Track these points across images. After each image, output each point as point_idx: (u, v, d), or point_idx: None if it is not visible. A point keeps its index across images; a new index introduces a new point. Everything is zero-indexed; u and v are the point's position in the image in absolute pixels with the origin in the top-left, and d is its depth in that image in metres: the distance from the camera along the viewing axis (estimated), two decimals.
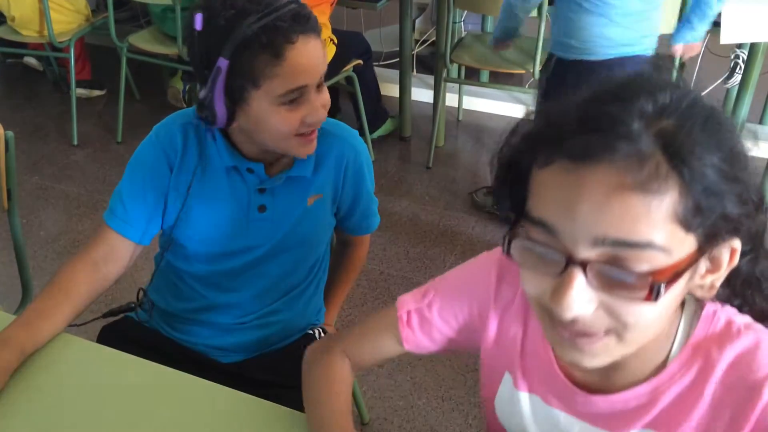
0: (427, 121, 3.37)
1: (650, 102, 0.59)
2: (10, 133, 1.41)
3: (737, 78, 2.74)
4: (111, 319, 1.34)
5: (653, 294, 0.58)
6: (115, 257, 1.18)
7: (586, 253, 0.59)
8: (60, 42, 3.06)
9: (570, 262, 0.60)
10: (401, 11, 3.02)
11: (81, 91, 3.54)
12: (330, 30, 2.69)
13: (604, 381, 0.74)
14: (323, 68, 1.08)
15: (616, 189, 0.56)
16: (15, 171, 1.44)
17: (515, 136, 0.67)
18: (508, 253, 0.64)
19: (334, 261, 1.41)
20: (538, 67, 2.75)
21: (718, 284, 0.65)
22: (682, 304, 0.72)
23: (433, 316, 0.90)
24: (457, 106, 3.48)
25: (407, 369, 2.04)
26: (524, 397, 0.83)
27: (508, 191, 0.67)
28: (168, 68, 3.46)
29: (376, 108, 3.17)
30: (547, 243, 0.61)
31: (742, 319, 0.71)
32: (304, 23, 1.03)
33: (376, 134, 3.20)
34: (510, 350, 0.84)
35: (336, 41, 2.72)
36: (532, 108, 0.73)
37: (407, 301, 0.92)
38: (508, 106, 3.51)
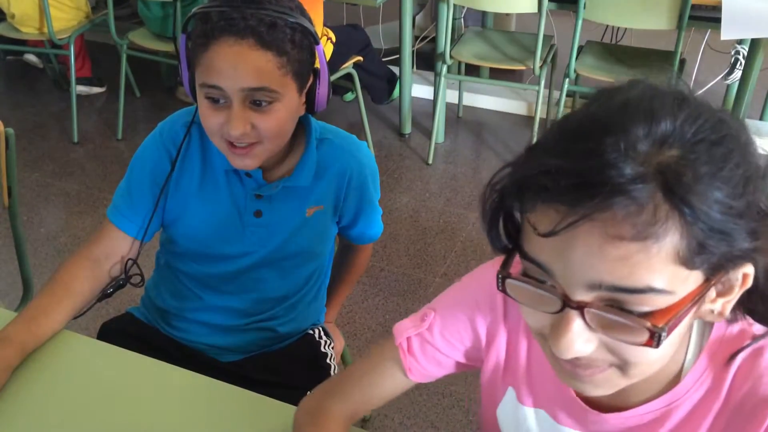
0: (427, 117, 3.37)
1: (649, 132, 0.53)
2: (11, 131, 1.41)
3: (738, 74, 2.73)
4: (110, 316, 1.34)
5: (654, 340, 0.54)
6: (116, 253, 1.18)
7: (582, 296, 0.56)
8: (60, 39, 3.06)
9: (566, 304, 0.56)
10: (401, 7, 3.02)
11: (81, 89, 3.54)
12: (322, 25, 2.67)
13: (617, 399, 0.71)
14: (255, 83, 0.99)
15: (611, 239, 0.52)
16: (15, 168, 1.44)
17: (502, 178, 0.61)
18: (502, 291, 0.61)
19: (336, 262, 1.41)
20: (538, 64, 2.74)
21: (729, 308, 0.61)
22: None
23: (435, 339, 0.84)
24: (457, 102, 3.48)
25: None
26: (530, 413, 0.80)
27: (498, 229, 0.63)
28: (168, 65, 3.46)
29: (390, 81, 3.37)
30: (543, 281, 0.58)
31: (757, 328, 0.68)
32: (243, 29, 0.97)
33: (394, 95, 3.41)
34: (515, 365, 0.81)
35: (333, 39, 2.71)
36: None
37: (405, 327, 0.86)
38: (509, 103, 3.51)
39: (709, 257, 0.54)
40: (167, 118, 1.20)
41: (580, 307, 0.56)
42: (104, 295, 1.19)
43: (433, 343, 0.85)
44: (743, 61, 2.67)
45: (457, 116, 3.49)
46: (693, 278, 0.55)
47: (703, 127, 0.54)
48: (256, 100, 1.01)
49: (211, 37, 0.99)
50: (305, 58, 1.05)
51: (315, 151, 1.17)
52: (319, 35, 2.60)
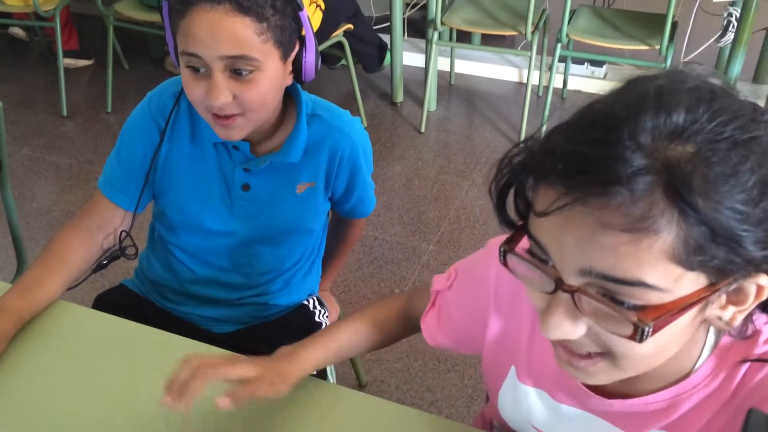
0: (419, 85, 3.35)
1: (660, 123, 0.51)
2: None
3: (730, 36, 2.72)
4: (104, 288, 1.35)
5: (638, 334, 0.53)
6: (108, 224, 1.18)
7: (574, 281, 0.56)
8: (45, 11, 3.01)
9: (558, 286, 0.57)
10: None
11: (68, 61, 3.49)
12: None
13: (623, 387, 0.71)
14: (233, 51, 0.97)
15: (602, 227, 0.52)
16: (5, 143, 1.43)
17: (515, 155, 0.61)
18: (504, 264, 0.62)
19: (330, 235, 1.40)
20: (530, 29, 2.72)
21: (740, 317, 0.58)
22: None
23: (448, 301, 0.88)
24: (449, 70, 3.45)
25: None
26: (530, 392, 0.81)
27: (504, 204, 0.63)
28: (156, 36, 3.42)
29: (381, 49, 3.34)
30: (541, 261, 0.59)
31: None
32: None
33: (386, 62, 3.37)
34: (515, 347, 0.81)
35: (323, 6, 2.68)
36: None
37: (438, 281, 0.90)
38: (501, 69, 3.49)
39: (710, 260, 0.52)
40: (155, 89, 1.19)
41: (572, 291, 0.56)
42: (99, 266, 1.19)
43: (445, 307, 0.88)
44: (735, 24, 2.65)
45: (449, 84, 3.47)
46: (692, 280, 0.53)
47: (729, 125, 0.51)
48: (237, 68, 0.99)
49: (188, 3, 0.97)
50: (288, 24, 1.02)
51: (305, 127, 1.15)
52: (309, 2, 2.58)
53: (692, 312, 0.55)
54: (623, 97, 0.54)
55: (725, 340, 0.67)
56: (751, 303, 0.57)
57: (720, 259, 0.51)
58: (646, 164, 0.50)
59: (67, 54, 3.45)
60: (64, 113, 3.19)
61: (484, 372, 0.88)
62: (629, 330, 0.54)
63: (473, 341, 0.86)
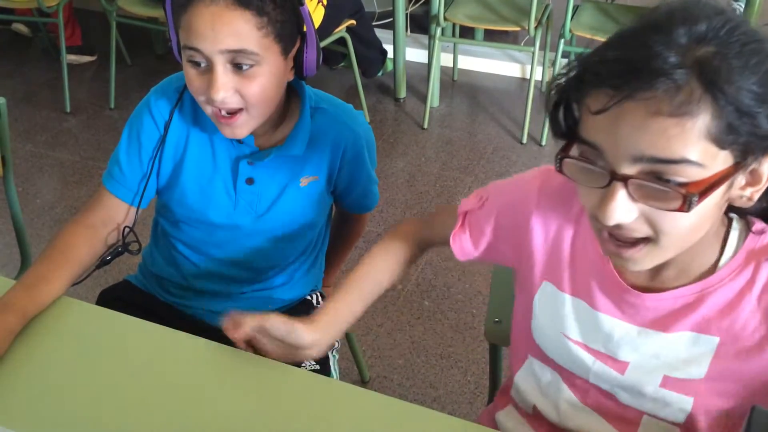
0: (422, 81, 3.35)
1: (689, 31, 0.63)
2: (2, 100, 1.40)
3: None
4: (108, 284, 1.35)
5: (686, 204, 0.64)
6: (113, 219, 1.18)
7: (627, 169, 0.66)
8: (48, 7, 3.01)
9: (613, 177, 0.67)
10: None
11: (71, 57, 3.49)
12: None
13: (654, 282, 0.81)
14: (234, 45, 0.98)
15: (652, 115, 0.62)
16: (8, 139, 1.43)
17: (569, 68, 0.72)
18: (560, 170, 0.71)
19: (333, 229, 1.40)
20: (533, 24, 2.72)
21: (757, 196, 0.70)
22: (731, 220, 0.78)
23: (480, 219, 0.95)
24: (452, 65, 3.45)
25: (406, 328, 2.06)
26: (568, 300, 0.86)
27: (562, 116, 0.74)
28: (159, 32, 3.42)
29: (382, 52, 3.30)
30: (594, 160, 0.68)
31: None
32: None
33: (387, 68, 3.33)
34: (556, 256, 0.87)
35: (325, 2, 2.68)
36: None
37: (467, 202, 0.97)
38: (504, 65, 3.48)
39: (737, 137, 0.63)
40: (159, 84, 1.19)
41: (625, 179, 0.66)
42: (102, 263, 1.19)
43: (477, 224, 0.96)
44: None
45: (452, 80, 3.46)
46: (723, 157, 0.65)
47: (737, 31, 0.64)
48: (237, 62, 1.00)
49: None
50: (288, 19, 1.02)
51: (309, 120, 1.15)
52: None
53: (722, 189, 0.66)
54: (656, 13, 0.67)
55: (749, 241, 0.77)
56: (764, 182, 0.69)
57: (744, 136, 0.63)
58: (681, 60, 0.62)
59: (70, 50, 3.45)
60: (68, 109, 3.19)
61: (517, 285, 0.97)
62: (678, 203, 0.65)
63: (504, 254, 0.96)
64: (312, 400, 0.93)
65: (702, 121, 0.62)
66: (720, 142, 0.63)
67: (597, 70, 0.66)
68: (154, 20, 3.08)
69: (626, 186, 0.66)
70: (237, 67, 1.00)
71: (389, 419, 0.90)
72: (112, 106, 3.22)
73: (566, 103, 0.73)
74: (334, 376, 1.31)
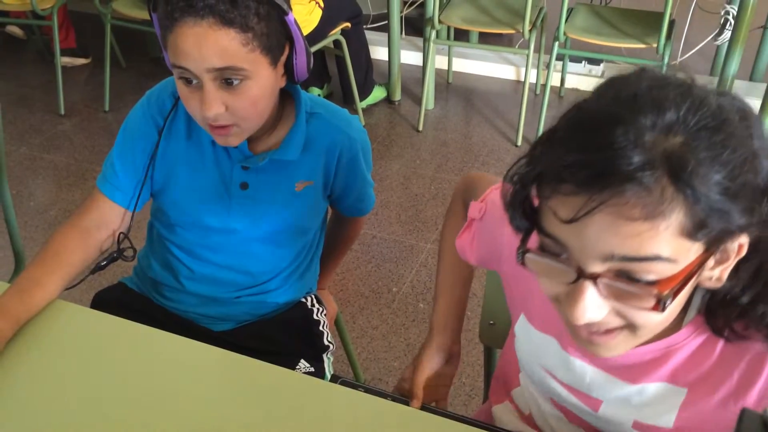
0: (416, 84, 3.35)
1: (655, 120, 0.58)
2: None
3: (727, 35, 2.72)
4: (102, 286, 1.35)
5: (660, 304, 0.61)
6: (106, 223, 1.18)
7: (595, 267, 0.62)
8: (42, 9, 3.00)
9: (581, 275, 0.62)
10: None
11: (66, 60, 3.49)
12: None
13: None
14: (220, 63, 0.97)
15: (624, 219, 0.58)
16: (2, 142, 1.43)
17: (519, 169, 0.68)
18: (522, 264, 0.67)
19: (328, 232, 1.40)
20: (527, 27, 2.72)
21: (726, 274, 0.66)
22: None
23: (477, 229, 0.96)
24: (446, 68, 3.46)
25: (401, 331, 2.06)
26: (540, 336, 0.86)
27: (520, 206, 0.69)
28: (154, 34, 3.41)
29: (367, 75, 3.12)
30: (558, 254, 0.64)
31: None
32: (202, 8, 0.95)
33: (364, 103, 3.15)
34: (528, 291, 0.86)
35: (322, 4, 2.68)
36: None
37: (473, 209, 0.97)
38: (499, 67, 3.49)
39: (710, 231, 0.59)
40: (154, 87, 1.19)
41: (594, 278, 0.62)
42: (97, 268, 1.19)
43: (476, 233, 0.96)
44: (733, 22, 2.65)
45: (447, 82, 3.47)
46: (694, 249, 0.61)
47: (705, 115, 0.58)
48: (227, 78, 1.00)
49: (173, 18, 0.97)
50: (275, 29, 1.02)
51: (304, 124, 1.15)
52: (308, 0, 2.57)
53: (693, 279, 0.63)
54: (615, 100, 0.61)
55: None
56: (733, 259, 0.65)
57: (717, 229, 0.59)
58: (650, 158, 0.57)
59: (65, 52, 3.44)
60: (62, 112, 3.19)
61: (506, 300, 0.97)
62: (651, 303, 0.61)
63: (494, 267, 0.96)
64: (307, 403, 0.93)
65: (675, 219, 0.58)
66: (692, 236, 0.59)
67: (559, 173, 0.60)
68: (148, 23, 3.07)
69: (595, 284, 0.62)
70: (227, 82, 1.00)
71: (384, 422, 0.90)
72: (107, 108, 3.22)
73: (524, 195, 0.68)
74: (329, 379, 1.31)
